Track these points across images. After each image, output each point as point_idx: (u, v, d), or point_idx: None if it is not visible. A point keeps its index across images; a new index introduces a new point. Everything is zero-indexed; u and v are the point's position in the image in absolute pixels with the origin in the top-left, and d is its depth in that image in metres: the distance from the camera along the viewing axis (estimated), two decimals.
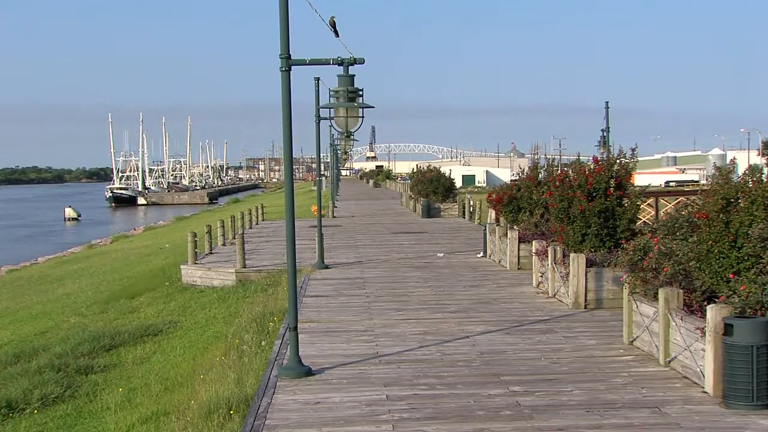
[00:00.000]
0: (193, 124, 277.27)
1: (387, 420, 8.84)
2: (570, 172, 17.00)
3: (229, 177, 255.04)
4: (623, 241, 14.22)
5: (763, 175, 11.16)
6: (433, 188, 44.82)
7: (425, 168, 51.34)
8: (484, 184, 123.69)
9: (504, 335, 13.14)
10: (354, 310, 15.75)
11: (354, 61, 11.10)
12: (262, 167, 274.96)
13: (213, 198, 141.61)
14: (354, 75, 11.27)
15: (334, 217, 44.94)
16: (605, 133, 78.45)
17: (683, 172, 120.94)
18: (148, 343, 18.46)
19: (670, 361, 10.72)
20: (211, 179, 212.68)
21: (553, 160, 24.82)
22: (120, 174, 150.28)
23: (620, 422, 8.63)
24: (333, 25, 11.80)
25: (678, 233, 12.70)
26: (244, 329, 15.30)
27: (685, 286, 10.91)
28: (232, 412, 10.04)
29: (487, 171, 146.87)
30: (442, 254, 25.06)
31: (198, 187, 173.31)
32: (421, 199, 44.72)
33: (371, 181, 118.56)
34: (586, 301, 15.23)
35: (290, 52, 10.64)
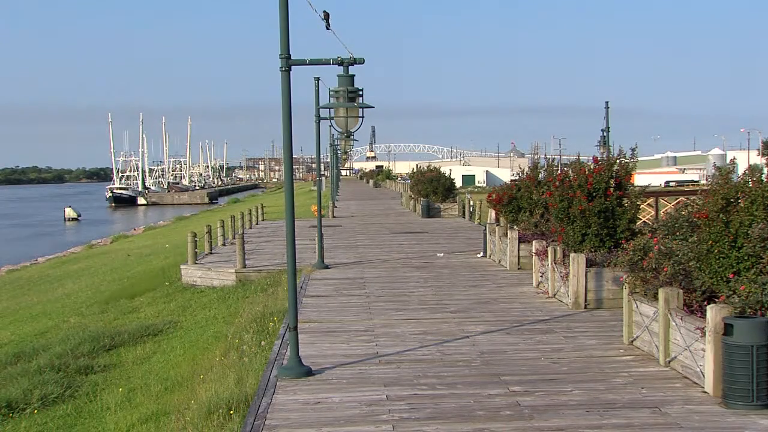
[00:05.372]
0: (193, 124, 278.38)
1: (387, 420, 8.84)
2: (570, 172, 16.99)
3: (229, 178, 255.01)
4: (623, 241, 14.23)
5: (763, 175, 11.16)
6: (433, 188, 44.81)
7: (425, 168, 51.32)
8: (484, 184, 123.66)
9: (504, 335, 13.14)
10: (354, 310, 15.75)
11: (354, 61, 11.09)
12: (262, 167, 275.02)
13: (213, 198, 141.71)
14: (354, 75, 11.27)
15: (334, 217, 44.93)
16: (605, 133, 78.54)
17: (683, 172, 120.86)
18: (148, 343, 18.45)
19: (670, 361, 10.72)
20: (211, 179, 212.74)
21: (553, 160, 24.81)
22: (120, 174, 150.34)
23: (620, 422, 8.62)
24: (326, 18, 11.80)
25: (678, 233, 12.70)
26: (244, 329, 15.30)
27: (685, 286, 10.90)
28: (232, 412, 10.04)
29: (487, 171, 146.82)
30: (442, 254, 25.06)
31: (198, 187, 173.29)
32: (421, 199, 44.71)
33: (371, 181, 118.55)
34: (586, 301, 15.23)
35: (290, 52, 10.64)
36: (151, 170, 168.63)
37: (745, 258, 10.39)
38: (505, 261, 21.70)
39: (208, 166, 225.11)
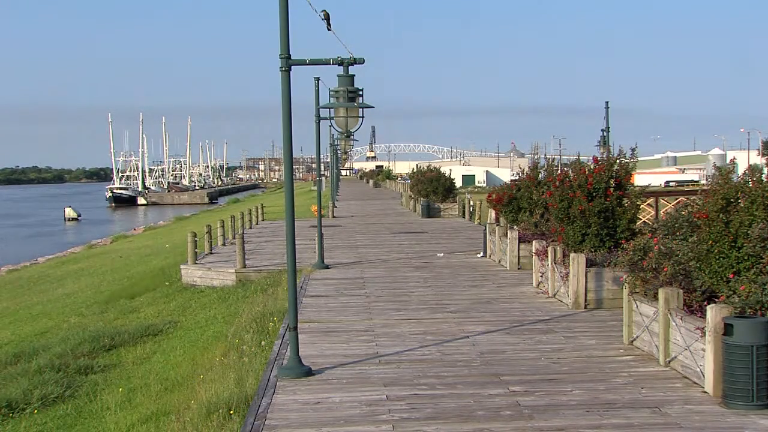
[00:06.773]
0: (193, 124, 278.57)
1: (387, 420, 8.83)
2: (570, 172, 17.00)
3: (229, 178, 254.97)
4: (623, 241, 14.23)
5: (763, 175, 11.16)
6: (433, 188, 44.80)
7: (425, 168, 51.31)
8: (484, 184, 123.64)
9: (504, 335, 13.14)
10: (354, 310, 15.75)
11: (354, 61, 11.10)
12: (262, 167, 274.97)
13: (213, 198, 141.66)
14: (354, 75, 11.27)
15: (334, 217, 44.93)
16: (605, 133, 78.54)
17: (683, 172, 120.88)
18: (148, 343, 18.45)
19: (670, 361, 10.72)
20: (211, 179, 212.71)
21: (553, 160, 24.80)
22: (120, 174, 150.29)
23: (620, 422, 8.62)
24: (327, 18, 11.80)
25: (678, 233, 12.70)
26: (244, 329, 15.30)
27: (685, 286, 10.90)
28: (232, 412, 10.04)
29: (487, 171, 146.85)
30: (442, 254, 25.06)
31: (198, 187, 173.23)
32: (421, 199, 44.72)
33: (371, 181, 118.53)
34: (586, 301, 15.23)
35: (290, 52, 10.65)
36: (151, 170, 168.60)
37: (745, 258, 10.39)
38: (505, 261, 21.70)
39: (208, 166, 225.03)
